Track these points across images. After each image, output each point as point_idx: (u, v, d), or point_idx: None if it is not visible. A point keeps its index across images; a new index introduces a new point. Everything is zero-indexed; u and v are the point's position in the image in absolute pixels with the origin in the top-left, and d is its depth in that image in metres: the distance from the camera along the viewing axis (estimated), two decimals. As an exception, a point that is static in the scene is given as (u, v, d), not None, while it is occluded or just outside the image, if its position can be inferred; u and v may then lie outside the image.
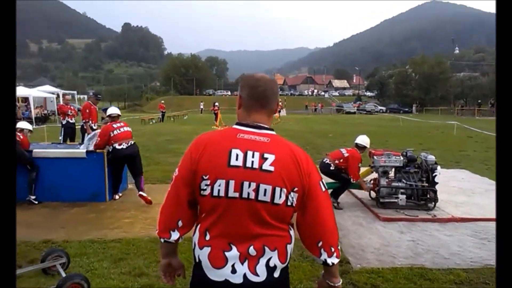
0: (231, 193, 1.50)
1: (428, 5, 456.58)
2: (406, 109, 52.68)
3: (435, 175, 5.80)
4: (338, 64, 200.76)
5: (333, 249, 1.62)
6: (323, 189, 1.62)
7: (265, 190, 1.49)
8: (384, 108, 54.23)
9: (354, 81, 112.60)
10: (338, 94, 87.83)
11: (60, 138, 11.46)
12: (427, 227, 5.32)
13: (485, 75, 59.80)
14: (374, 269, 4.00)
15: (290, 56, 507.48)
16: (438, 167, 5.86)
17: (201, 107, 51.89)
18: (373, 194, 6.33)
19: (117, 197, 6.64)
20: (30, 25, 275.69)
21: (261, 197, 1.50)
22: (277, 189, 1.50)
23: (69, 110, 11.05)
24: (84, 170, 6.39)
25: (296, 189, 1.53)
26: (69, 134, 11.06)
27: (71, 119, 11.09)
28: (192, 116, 39.92)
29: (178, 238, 1.65)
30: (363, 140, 6.20)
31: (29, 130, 7.02)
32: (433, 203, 5.87)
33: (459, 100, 57.82)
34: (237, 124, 1.64)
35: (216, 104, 27.31)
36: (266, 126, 1.62)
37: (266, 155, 1.52)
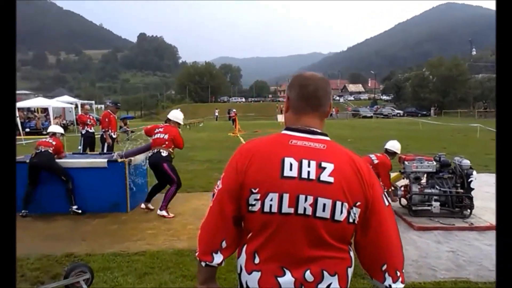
0: (285, 209, 1.30)
1: (443, 7, 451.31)
2: (424, 112, 51.82)
3: (471, 181, 5.47)
4: (352, 69, 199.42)
5: (398, 273, 1.39)
6: (387, 203, 1.41)
7: (324, 204, 1.29)
8: (401, 112, 53.52)
9: (369, 85, 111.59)
10: (353, 99, 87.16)
11: (79, 147, 11.46)
12: (465, 236, 5.01)
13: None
14: (416, 284, 3.72)
15: (303, 61, 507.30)
16: (474, 172, 5.54)
17: (216, 114, 52.07)
18: (403, 201, 6.03)
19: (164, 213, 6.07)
20: (49, 37, 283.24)
21: (319, 213, 1.29)
22: (338, 204, 1.29)
23: (88, 120, 11.04)
24: (105, 180, 6.27)
25: (358, 203, 1.32)
26: (89, 143, 11.04)
27: (91, 129, 11.07)
28: (207, 124, 39.99)
29: (221, 262, 1.43)
30: (393, 145, 5.92)
31: (62, 134, 6.97)
32: (469, 210, 5.55)
33: (479, 102, 56.60)
34: (287, 129, 1.44)
35: (234, 110, 27.22)
36: (319, 131, 1.42)
37: (323, 164, 1.31)
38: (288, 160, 1.32)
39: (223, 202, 1.38)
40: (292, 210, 1.30)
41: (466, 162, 5.61)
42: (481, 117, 41.57)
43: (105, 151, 9.34)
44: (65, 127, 28.19)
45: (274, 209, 1.30)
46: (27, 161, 6.14)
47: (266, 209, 1.31)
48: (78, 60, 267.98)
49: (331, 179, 1.29)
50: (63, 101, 31.46)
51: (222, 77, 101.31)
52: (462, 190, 5.57)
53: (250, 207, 1.33)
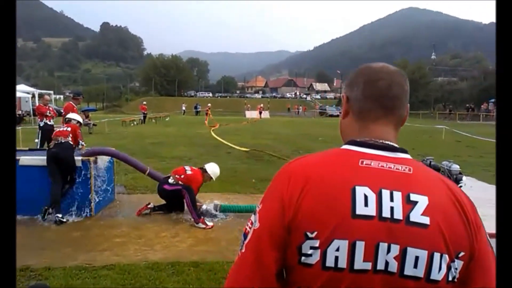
0: (359, 264, 0.87)
1: (406, 11, 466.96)
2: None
3: (461, 186, 5.30)
4: (319, 68, 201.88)
5: None
6: (491, 249, 0.99)
7: (417, 258, 0.86)
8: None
9: (335, 84, 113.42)
10: (320, 97, 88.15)
11: (36, 141, 10.54)
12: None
13: (463, 80, 61.10)
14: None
15: (270, 58, 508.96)
16: (464, 177, 5.39)
17: (183, 109, 51.04)
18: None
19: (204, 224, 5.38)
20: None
21: (409, 270, 0.87)
22: (436, 256, 0.87)
23: (48, 111, 10.15)
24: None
25: (461, 254, 0.90)
26: (47, 137, 10.14)
27: (50, 121, 10.18)
28: (174, 118, 38.95)
29: None
30: None
31: (78, 122, 6.32)
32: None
33: (438, 104, 58.83)
34: (352, 143, 0.99)
35: (209, 104, 27.38)
36: (397, 146, 1.00)
37: (413, 197, 0.90)
38: (361, 190, 0.89)
39: (262, 249, 0.92)
40: (369, 266, 0.87)
41: (456, 167, 5.45)
42: (444, 119, 43.12)
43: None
44: (20, 118, 26.50)
45: (343, 263, 0.87)
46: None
47: (330, 263, 0.87)
48: (37, 47, 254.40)
49: (426, 220, 0.88)
50: (18, 90, 29.48)
51: (189, 71, 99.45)
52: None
53: (303, 258, 0.89)
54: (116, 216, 5.78)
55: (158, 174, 6.36)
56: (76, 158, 5.77)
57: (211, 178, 5.98)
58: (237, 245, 4.52)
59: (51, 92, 31.08)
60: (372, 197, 0.88)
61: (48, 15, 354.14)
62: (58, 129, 6.03)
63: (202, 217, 5.37)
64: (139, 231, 5.09)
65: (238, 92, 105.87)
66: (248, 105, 51.25)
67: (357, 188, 0.89)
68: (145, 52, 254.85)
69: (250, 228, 0.96)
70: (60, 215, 5.37)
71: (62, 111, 9.11)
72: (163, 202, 5.99)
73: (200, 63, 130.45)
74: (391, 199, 0.89)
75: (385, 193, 0.89)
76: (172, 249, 4.49)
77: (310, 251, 0.88)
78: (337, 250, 0.86)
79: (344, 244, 0.86)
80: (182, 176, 5.70)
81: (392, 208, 0.88)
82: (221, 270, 3.91)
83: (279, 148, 14.47)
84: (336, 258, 0.87)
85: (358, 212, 0.87)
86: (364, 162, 0.94)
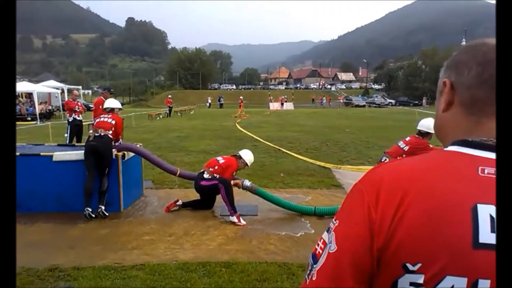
0: None
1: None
2: (416, 102, 51.63)
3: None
4: (343, 57, 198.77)
5: None
6: None
7: None
8: (393, 101, 53.17)
9: (360, 74, 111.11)
10: (344, 87, 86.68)
11: (66, 135, 10.65)
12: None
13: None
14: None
15: (294, 49, 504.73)
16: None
17: (209, 101, 51.12)
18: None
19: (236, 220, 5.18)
20: (34, 21, 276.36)
21: None
22: None
23: (77, 106, 10.21)
24: (95, 176, 5.54)
25: None
26: (76, 132, 10.23)
27: (78, 116, 10.23)
28: (198, 111, 39.06)
29: None
30: (427, 125, 5.17)
31: (119, 109, 6.21)
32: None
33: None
34: (463, 143, 0.74)
35: (241, 97, 31.12)
36: None
37: None
38: (485, 210, 0.64)
39: (340, 279, 0.69)
40: None
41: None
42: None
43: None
44: (50, 113, 27.16)
45: None
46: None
47: None
48: (65, 44, 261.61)
49: None
50: (48, 86, 30.22)
51: (212, 64, 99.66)
52: None
53: None
54: (145, 212, 5.67)
55: (189, 173, 6.22)
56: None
57: (246, 164, 5.80)
58: (268, 243, 4.28)
59: (80, 87, 31.63)
60: None
61: (75, 12, 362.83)
62: (100, 119, 5.80)
63: (238, 213, 5.19)
64: (168, 228, 4.95)
65: (261, 83, 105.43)
66: (271, 97, 50.77)
67: (480, 207, 0.65)
68: (169, 46, 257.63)
69: (323, 250, 0.73)
70: (103, 207, 5.36)
71: (91, 106, 9.11)
72: (191, 198, 5.85)
73: (223, 55, 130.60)
74: None
75: None
76: (202, 248, 4.32)
77: None
78: None
79: (461, 283, 0.63)
80: (216, 168, 5.53)
81: None
82: (254, 271, 3.71)
83: (306, 140, 14.14)
84: None
85: (482, 240, 0.63)
86: (486, 171, 0.68)
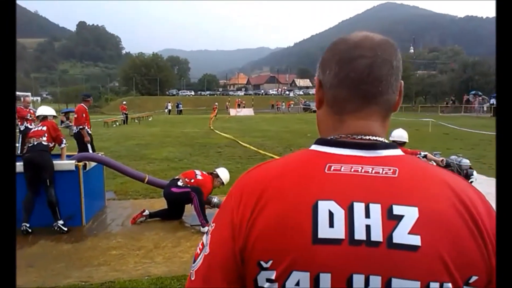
0: None
1: (383, 6, 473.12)
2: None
3: (471, 181, 5.11)
4: (300, 64, 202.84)
5: None
6: None
7: None
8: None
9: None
10: (302, 93, 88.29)
11: (17, 145, 9.98)
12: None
13: (443, 73, 62.15)
14: None
15: (251, 55, 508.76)
16: (474, 172, 5.21)
17: (169, 107, 50.14)
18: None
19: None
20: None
21: None
22: (434, 286, 0.63)
23: (28, 114, 9.61)
24: (56, 187, 5.15)
25: (474, 279, 0.66)
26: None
27: (31, 124, 9.63)
28: (157, 118, 38.19)
29: None
30: (401, 135, 5.30)
31: (54, 116, 5.79)
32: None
33: (419, 97, 59.72)
34: (321, 142, 0.77)
35: (216, 104, 31.02)
36: (382, 140, 0.76)
37: (397, 210, 0.66)
38: (325, 206, 0.67)
39: (213, 281, 0.73)
40: None
41: (465, 162, 5.27)
42: (426, 112, 43.61)
43: (90, 150, 8.18)
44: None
45: None
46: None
47: None
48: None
49: (417, 240, 0.64)
50: (-7, 93, 28.38)
51: (170, 70, 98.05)
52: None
53: None
54: (109, 225, 5.38)
55: (158, 180, 5.99)
56: (62, 162, 5.35)
57: (223, 183, 5.69)
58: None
59: (29, 93, 29.96)
60: (340, 215, 0.66)
61: (22, 15, 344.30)
62: (34, 129, 5.46)
63: (209, 222, 5.03)
64: (137, 242, 4.70)
65: (220, 89, 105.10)
66: (227, 103, 50.97)
67: (320, 204, 0.67)
68: (123, 51, 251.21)
69: (201, 251, 0.78)
70: (60, 221, 5.01)
71: (75, 115, 8.64)
72: (157, 208, 5.63)
73: (181, 61, 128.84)
74: (367, 215, 0.66)
75: (358, 208, 0.66)
76: (175, 261, 4.13)
77: (266, 284, 0.69)
78: (297, 284, 0.66)
79: (305, 277, 0.66)
80: (192, 181, 5.38)
81: (368, 227, 0.65)
82: (233, 282, 3.58)
83: (271, 145, 14.18)
84: None
85: (320, 235, 0.66)
86: (332, 168, 0.71)
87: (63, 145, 5.50)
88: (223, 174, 5.70)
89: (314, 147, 0.77)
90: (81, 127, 8.37)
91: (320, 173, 0.70)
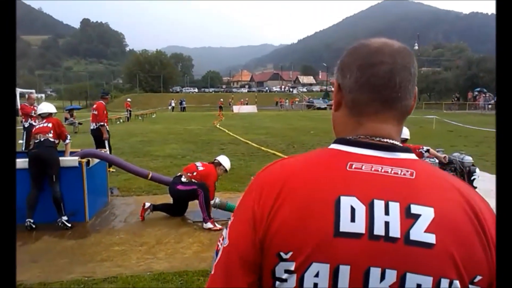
0: None
1: (388, 3, 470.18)
2: (374, 104, 53.49)
3: (474, 179, 5.11)
4: (304, 61, 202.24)
5: None
6: None
7: (419, 286, 0.68)
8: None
9: (320, 77, 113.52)
10: (306, 90, 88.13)
11: (20, 142, 10.05)
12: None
13: (447, 70, 61.78)
14: None
15: (254, 52, 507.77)
16: (477, 169, 5.19)
17: (173, 104, 50.21)
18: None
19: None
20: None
21: None
22: (444, 283, 0.68)
23: (33, 111, 9.66)
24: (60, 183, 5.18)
25: (478, 278, 0.70)
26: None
27: (35, 121, 9.67)
28: (161, 115, 38.28)
29: None
30: (403, 132, 5.34)
31: (55, 113, 5.81)
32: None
33: (423, 95, 59.43)
34: (341, 141, 0.81)
35: (221, 99, 30.59)
36: (398, 143, 0.80)
37: (415, 209, 0.70)
38: (347, 202, 0.71)
39: (231, 272, 0.75)
40: None
41: (468, 159, 5.25)
42: (431, 109, 43.40)
43: (107, 147, 8.34)
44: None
45: None
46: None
47: None
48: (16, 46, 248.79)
49: (432, 239, 0.68)
50: (-2, 90, 28.50)
51: (173, 67, 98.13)
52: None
53: (277, 283, 0.72)
54: (112, 221, 5.41)
55: (161, 177, 5.99)
56: (65, 158, 5.39)
57: (226, 170, 5.67)
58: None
59: (33, 90, 30.06)
60: (361, 210, 0.70)
61: (26, 13, 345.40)
62: (37, 126, 5.49)
63: (212, 218, 5.06)
64: (139, 237, 4.74)
65: (224, 86, 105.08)
66: (230, 100, 51.14)
67: (342, 199, 0.71)
68: (127, 48, 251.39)
69: (220, 245, 0.80)
70: (64, 217, 5.04)
71: (95, 111, 8.74)
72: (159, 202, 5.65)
73: (184, 58, 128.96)
74: (386, 212, 0.70)
75: (379, 205, 0.70)
76: (177, 257, 4.16)
77: (284, 275, 0.71)
78: (317, 275, 0.69)
79: (325, 269, 0.69)
80: (195, 174, 5.35)
81: (387, 224, 0.69)
82: (234, 278, 3.60)
83: (273, 142, 14.18)
84: (315, 285, 0.69)
85: (342, 229, 0.69)
86: (354, 166, 0.75)
87: (67, 141, 5.55)
88: (225, 161, 5.66)
89: (334, 146, 0.80)
90: (101, 123, 8.54)
91: (342, 170, 0.74)
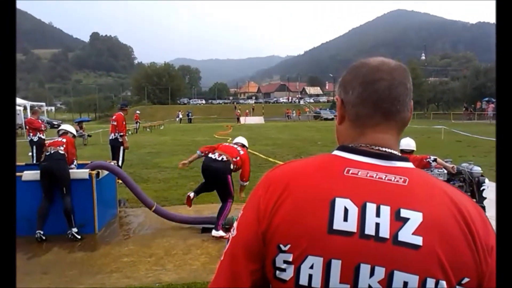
0: (336, 286, 0.75)
1: (394, 13, 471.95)
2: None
3: (483, 189, 5.06)
4: (310, 72, 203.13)
5: None
6: None
7: (406, 284, 0.73)
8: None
9: (327, 87, 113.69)
10: (313, 101, 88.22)
11: (29, 154, 10.16)
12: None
13: (455, 80, 61.51)
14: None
15: (261, 64, 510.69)
16: (486, 180, 5.14)
17: (180, 116, 50.51)
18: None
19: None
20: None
21: None
22: (430, 282, 0.73)
23: (42, 125, 9.82)
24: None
25: (465, 280, 0.75)
26: (42, 151, 9.79)
27: (43, 135, 9.85)
28: (168, 126, 38.54)
29: None
30: (408, 144, 5.31)
31: (74, 135, 5.93)
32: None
33: (431, 104, 59.17)
34: (342, 148, 0.89)
35: (238, 110, 31.34)
36: (396, 152, 0.87)
37: (404, 213, 0.77)
38: (341, 203, 0.78)
39: (237, 259, 0.84)
40: None
41: (477, 169, 5.20)
42: (439, 119, 43.15)
43: (120, 158, 8.64)
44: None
45: (317, 283, 0.76)
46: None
47: (304, 281, 0.77)
48: (26, 59, 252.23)
49: (418, 240, 0.74)
50: (9, 103, 28.91)
51: (181, 79, 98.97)
52: (474, 200, 5.15)
53: (277, 272, 0.80)
54: (121, 233, 5.45)
55: (165, 211, 5.78)
56: (76, 170, 5.46)
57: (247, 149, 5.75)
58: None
59: (43, 103, 30.60)
60: (353, 211, 0.77)
61: (37, 27, 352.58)
62: (53, 139, 5.58)
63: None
64: (148, 249, 4.76)
65: (231, 98, 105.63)
66: (237, 111, 51.33)
67: (337, 200, 0.78)
68: (135, 61, 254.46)
69: (231, 235, 0.89)
70: (74, 229, 5.10)
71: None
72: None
73: (192, 70, 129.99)
74: (377, 215, 0.76)
75: (370, 207, 0.77)
76: (185, 268, 4.17)
77: (284, 266, 0.79)
78: (311, 267, 0.76)
79: (318, 262, 0.76)
80: (238, 158, 5.18)
81: (377, 225, 0.76)
82: (243, 290, 3.60)
83: (281, 153, 14.20)
84: (310, 276, 0.76)
85: (335, 227, 0.76)
86: (350, 171, 0.82)
87: (73, 166, 5.57)
88: (245, 141, 5.73)
89: (335, 152, 0.88)
90: (121, 134, 8.86)
91: (339, 174, 0.81)
